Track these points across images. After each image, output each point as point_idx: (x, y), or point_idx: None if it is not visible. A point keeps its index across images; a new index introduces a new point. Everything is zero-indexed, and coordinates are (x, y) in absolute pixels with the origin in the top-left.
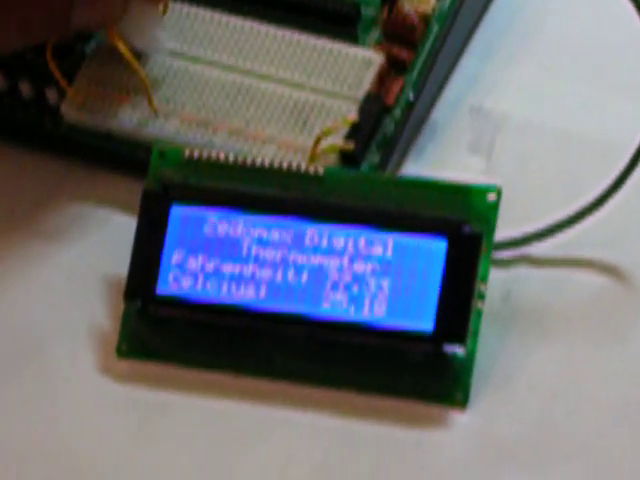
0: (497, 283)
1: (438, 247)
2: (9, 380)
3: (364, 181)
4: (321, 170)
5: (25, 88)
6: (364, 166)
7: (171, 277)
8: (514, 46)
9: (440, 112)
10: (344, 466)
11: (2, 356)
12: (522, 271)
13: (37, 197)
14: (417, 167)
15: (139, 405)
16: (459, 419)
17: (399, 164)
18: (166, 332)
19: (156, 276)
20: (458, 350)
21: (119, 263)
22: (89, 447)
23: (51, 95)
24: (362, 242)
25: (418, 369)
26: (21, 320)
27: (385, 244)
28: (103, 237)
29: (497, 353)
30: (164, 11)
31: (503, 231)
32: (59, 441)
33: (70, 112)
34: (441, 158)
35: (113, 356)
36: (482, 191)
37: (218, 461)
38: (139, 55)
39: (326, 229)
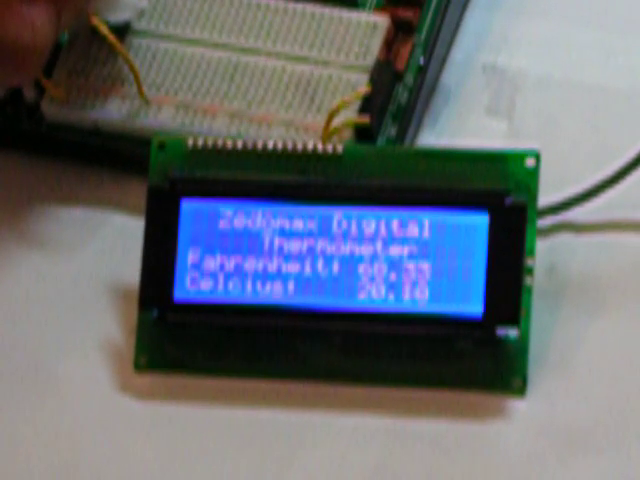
0: (539, 254)
1: (480, 222)
2: (24, 410)
3: (388, 156)
4: (340, 148)
5: None
6: (381, 140)
7: (188, 280)
8: None
9: (451, 74)
10: (400, 468)
11: (12, 384)
12: (565, 239)
13: (23, 204)
14: (434, 136)
15: (166, 422)
16: (519, 407)
17: (415, 135)
18: (188, 340)
19: (172, 280)
20: (511, 332)
21: (124, 269)
22: (116, 472)
23: (28, 92)
24: (395, 224)
25: (469, 357)
26: (24, 342)
27: (421, 224)
28: (102, 242)
29: (550, 332)
30: None
31: (539, 198)
32: (83, 468)
33: (51, 108)
34: (458, 124)
35: (131, 371)
36: (519, 157)
37: (261, 477)
38: (122, 37)
39: (354, 213)
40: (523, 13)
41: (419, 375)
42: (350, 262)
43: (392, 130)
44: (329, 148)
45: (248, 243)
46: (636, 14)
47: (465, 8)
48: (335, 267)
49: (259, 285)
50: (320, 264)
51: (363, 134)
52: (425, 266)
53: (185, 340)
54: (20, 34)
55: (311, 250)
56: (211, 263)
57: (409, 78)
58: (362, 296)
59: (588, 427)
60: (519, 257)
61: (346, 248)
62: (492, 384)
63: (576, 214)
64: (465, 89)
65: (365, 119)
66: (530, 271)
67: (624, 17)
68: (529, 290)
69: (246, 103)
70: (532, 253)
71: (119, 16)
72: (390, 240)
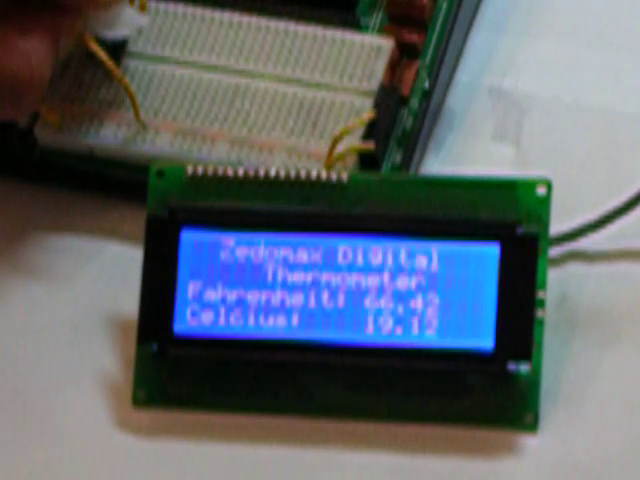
0: (550, 284)
1: (490, 253)
2: (18, 446)
3: (395, 185)
4: (345, 177)
5: None
6: (385, 166)
7: (189, 313)
8: (526, 15)
9: (456, 98)
10: None
11: (5, 419)
12: (576, 268)
13: (16, 232)
14: (439, 162)
15: (166, 459)
16: (531, 444)
17: (420, 161)
18: (188, 375)
19: (172, 313)
20: (523, 367)
21: (121, 299)
22: None
23: None
24: (403, 254)
25: (479, 392)
26: (18, 375)
27: (429, 254)
28: (98, 271)
29: (562, 365)
30: (142, 9)
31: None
32: None
33: (45, 134)
34: (464, 150)
35: (129, 407)
36: (530, 185)
37: None
38: (118, 58)
39: (360, 243)
40: (529, 34)
41: (428, 411)
42: (356, 294)
43: (397, 156)
44: (333, 176)
45: (250, 274)
46: None
47: (470, 30)
48: (340, 299)
49: (262, 318)
50: (325, 296)
51: (367, 160)
52: (434, 298)
53: (185, 375)
54: (17, 68)
55: (316, 282)
56: (212, 295)
57: (414, 102)
58: (369, 330)
59: (602, 463)
60: (531, 289)
61: (352, 280)
62: (503, 420)
63: (587, 243)
64: (471, 113)
65: (369, 145)
66: (542, 304)
67: (633, 38)
68: (541, 323)
69: (247, 128)
70: (543, 285)
71: (117, 33)
72: (397, 271)
